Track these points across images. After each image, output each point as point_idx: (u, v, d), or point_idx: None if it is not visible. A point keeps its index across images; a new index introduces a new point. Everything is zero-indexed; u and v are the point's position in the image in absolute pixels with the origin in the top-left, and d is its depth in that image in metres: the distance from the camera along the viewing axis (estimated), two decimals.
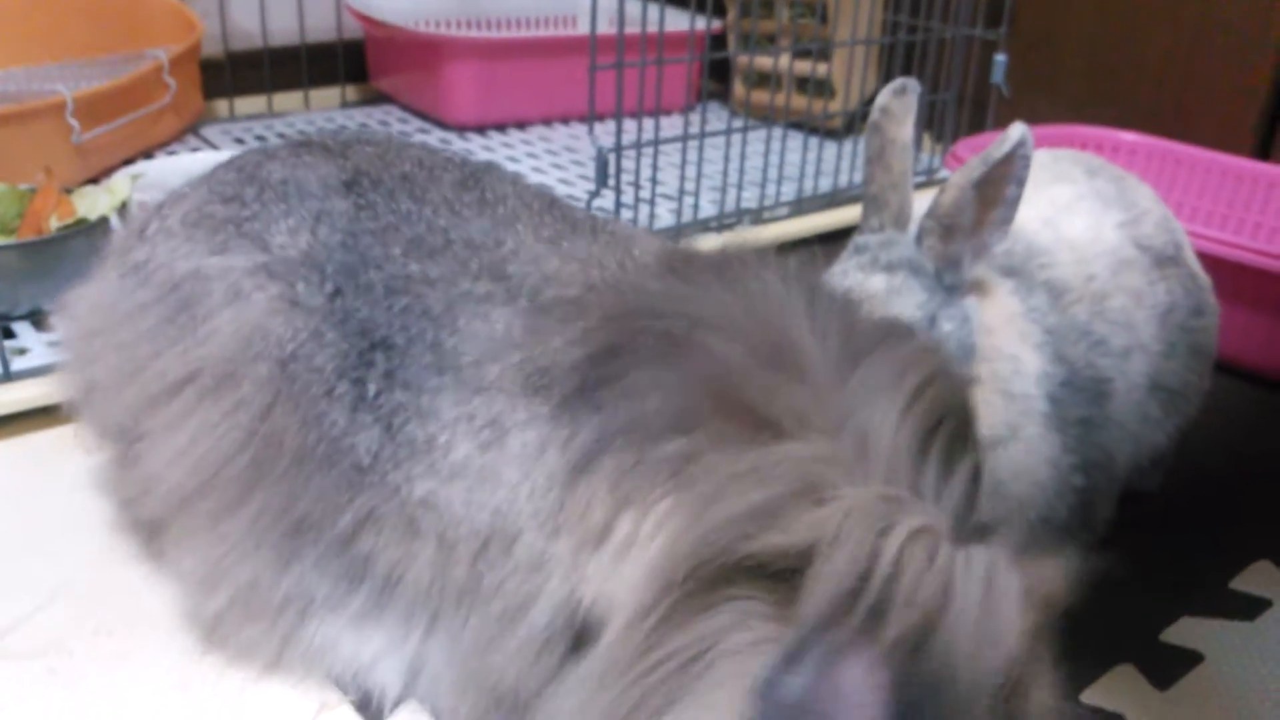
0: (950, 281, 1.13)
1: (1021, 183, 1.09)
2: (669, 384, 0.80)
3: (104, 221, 1.64)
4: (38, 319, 1.58)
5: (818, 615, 0.64)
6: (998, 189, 1.10)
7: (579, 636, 0.80)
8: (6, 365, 1.42)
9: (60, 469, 1.34)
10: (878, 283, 1.11)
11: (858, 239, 1.17)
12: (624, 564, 0.78)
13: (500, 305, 0.93)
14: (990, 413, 1.13)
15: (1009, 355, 1.15)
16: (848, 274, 1.12)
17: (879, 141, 1.16)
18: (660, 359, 0.82)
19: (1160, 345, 1.27)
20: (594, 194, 1.83)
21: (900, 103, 1.16)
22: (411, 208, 1.03)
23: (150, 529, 1.11)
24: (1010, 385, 1.14)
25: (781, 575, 0.68)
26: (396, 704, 1.00)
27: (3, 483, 1.32)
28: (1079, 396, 1.18)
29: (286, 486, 0.92)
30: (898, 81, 1.17)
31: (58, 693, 1.02)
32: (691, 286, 0.88)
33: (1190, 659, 1.14)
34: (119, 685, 1.03)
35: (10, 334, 1.52)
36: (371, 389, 0.92)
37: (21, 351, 1.49)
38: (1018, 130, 1.08)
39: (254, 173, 1.11)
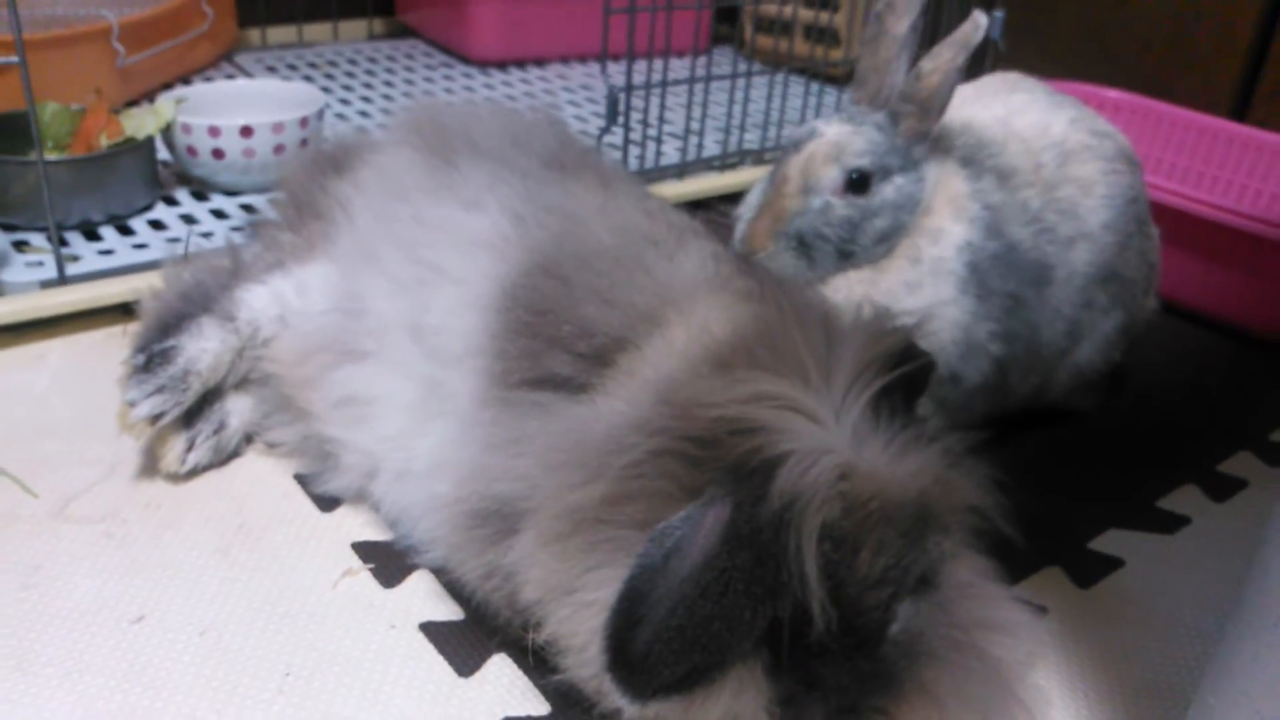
0: (919, 156, 1.32)
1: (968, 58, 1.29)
2: None
3: (150, 141, 1.78)
4: (88, 229, 1.72)
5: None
6: (946, 83, 1.29)
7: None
8: (62, 270, 1.56)
9: (110, 363, 1.48)
10: (838, 125, 1.32)
11: (846, 108, 1.37)
12: None
13: None
14: (897, 273, 1.31)
15: (932, 229, 1.33)
16: (830, 122, 1.32)
17: (876, 29, 1.32)
18: None
19: (1114, 235, 1.41)
20: (604, 130, 1.95)
21: (903, 2, 1.32)
22: None
23: None
24: (921, 252, 1.31)
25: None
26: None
27: (62, 373, 1.47)
28: (1013, 272, 1.34)
29: None
30: None
31: (115, 553, 1.17)
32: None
33: (1112, 564, 1.28)
34: (168, 549, 1.19)
35: (64, 242, 1.66)
36: None
37: (75, 258, 1.63)
38: (983, 18, 1.27)
39: None
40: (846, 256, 1.32)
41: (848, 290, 1.31)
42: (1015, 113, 1.44)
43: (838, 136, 1.30)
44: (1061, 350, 1.41)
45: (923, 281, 1.30)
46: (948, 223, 1.32)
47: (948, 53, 1.27)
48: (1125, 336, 1.49)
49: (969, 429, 0.96)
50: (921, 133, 1.31)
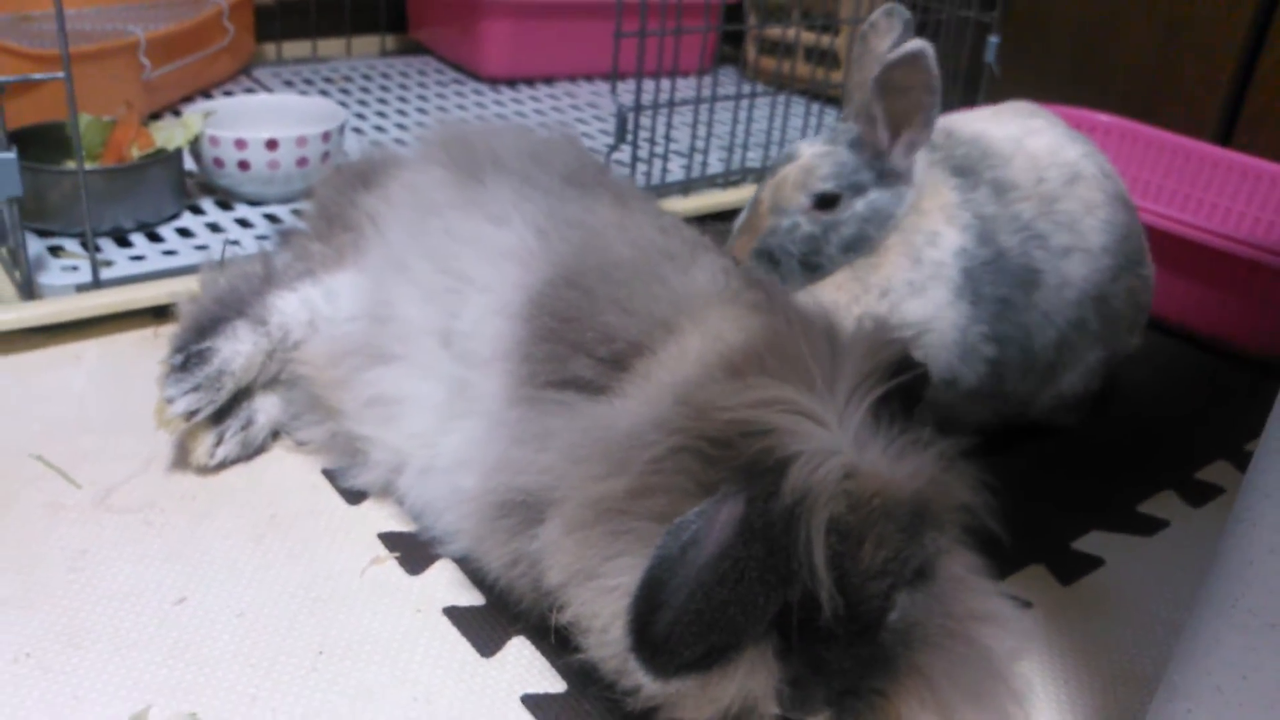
0: (880, 168, 1.41)
1: (933, 90, 1.35)
2: None
3: (179, 152, 1.86)
4: (119, 235, 1.79)
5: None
6: (908, 96, 1.36)
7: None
8: (97, 274, 1.64)
9: (142, 363, 1.56)
10: (815, 147, 1.43)
11: (833, 124, 1.49)
12: None
13: None
14: (894, 270, 1.40)
15: (928, 231, 1.42)
16: (811, 142, 1.44)
17: (861, 48, 1.41)
18: None
19: (1111, 259, 1.49)
20: (613, 148, 2.03)
21: (886, 21, 1.42)
22: None
23: None
24: (920, 253, 1.40)
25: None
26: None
27: (97, 373, 1.55)
28: (1002, 277, 1.42)
29: None
30: (888, 5, 1.41)
31: (155, 540, 1.25)
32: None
33: (1093, 563, 1.36)
34: (204, 536, 1.26)
35: (97, 248, 1.73)
36: None
37: (108, 263, 1.70)
38: (915, 44, 1.34)
39: None
40: (813, 269, 1.43)
41: (844, 281, 1.40)
42: (1031, 134, 1.51)
43: (809, 160, 1.41)
44: (1051, 362, 1.49)
45: (926, 285, 1.39)
46: (942, 226, 1.40)
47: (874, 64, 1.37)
48: (1106, 367, 1.57)
49: (965, 433, 1.03)
50: (875, 147, 1.41)
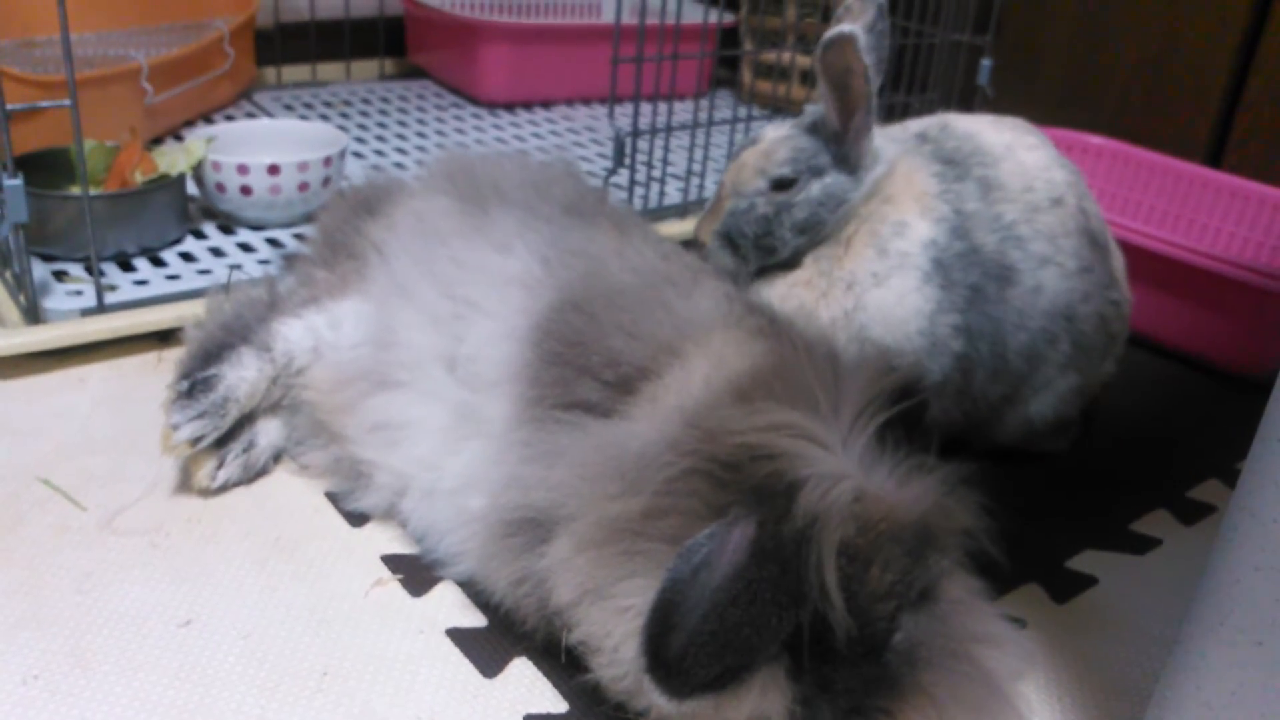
0: (838, 152, 1.45)
1: (866, 78, 1.39)
2: None
3: (182, 177, 1.88)
4: (122, 260, 1.81)
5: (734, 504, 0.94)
6: (849, 81, 1.40)
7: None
8: (101, 299, 1.66)
9: (146, 387, 1.58)
10: (777, 130, 1.49)
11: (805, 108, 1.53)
12: None
13: None
14: (859, 263, 1.43)
15: (894, 221, 1.44)
16: (777, 126, 1.51)
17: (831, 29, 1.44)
18: None
19: (1080, 282, 1.50)
20: (611, 172, 2.06)
21: (860, 4, 1.46)
22: None
23: None
24: (886, 244, 1.43)
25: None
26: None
27: (102, 396, 1.56)
28: (974, 268, 1.44)
29: None
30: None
31: (161, 563, 1.26)
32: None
33: (1086, 581, 1.38)
34: (208, 560, 1.28)
35: (101, 273, 1.75)
36: None
37: (112, 288, 1.72)
38: (843, 29, 1.36)
39: None
40: (768, 251, 1.47)
41: (812, 278, 1.44)
42: (1025, 147, 1.53)
43: (769, 146, 1.47)
44: (1020, 372, 1.49)
45: (891, 274, 1.41)
46: (913, 217, 1.43)
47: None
48: (1081, 396, 1.57)
49: (936, 432, 1.05)
50: (829, 129, 1.45)
